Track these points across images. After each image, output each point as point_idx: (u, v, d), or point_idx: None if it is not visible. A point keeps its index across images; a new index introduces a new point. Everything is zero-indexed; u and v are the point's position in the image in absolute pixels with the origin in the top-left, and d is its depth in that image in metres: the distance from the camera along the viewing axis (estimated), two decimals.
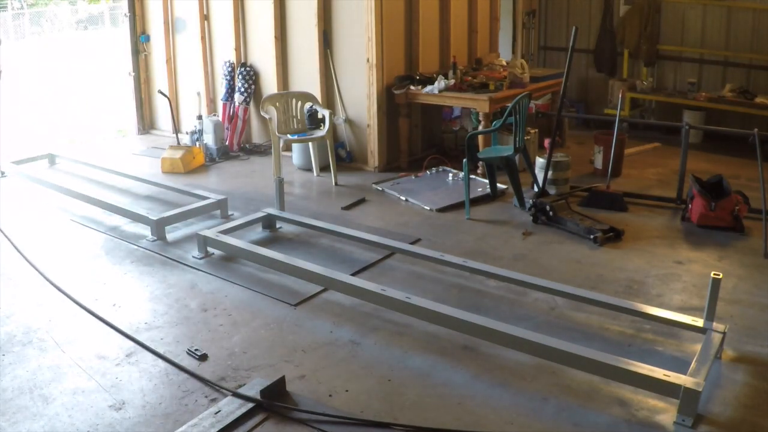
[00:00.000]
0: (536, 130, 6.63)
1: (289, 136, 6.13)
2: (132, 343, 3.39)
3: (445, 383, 3.02)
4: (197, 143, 6.97)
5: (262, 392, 2.84)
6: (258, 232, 4.91)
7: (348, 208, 5.43)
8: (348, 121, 6.60)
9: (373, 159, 6.48)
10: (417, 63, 6.70)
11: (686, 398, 2.70)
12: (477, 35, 7.48)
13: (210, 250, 4.49)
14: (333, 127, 6.28)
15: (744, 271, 4.18)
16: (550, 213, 4.96)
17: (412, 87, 6.34)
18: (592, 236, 4.64)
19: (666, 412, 2.80)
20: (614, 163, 5.77)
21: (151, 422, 2.76)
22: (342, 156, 6.59)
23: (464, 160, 5.20)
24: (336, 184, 6.06)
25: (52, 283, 4.09)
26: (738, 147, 6.58)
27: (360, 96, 6.42)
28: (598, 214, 5.11)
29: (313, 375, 3.09)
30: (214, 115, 7.36)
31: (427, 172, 6.27)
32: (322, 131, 6.21)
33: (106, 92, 9.60)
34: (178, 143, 6.95)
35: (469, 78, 6.53)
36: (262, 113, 6.22)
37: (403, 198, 5.61)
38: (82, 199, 5.48)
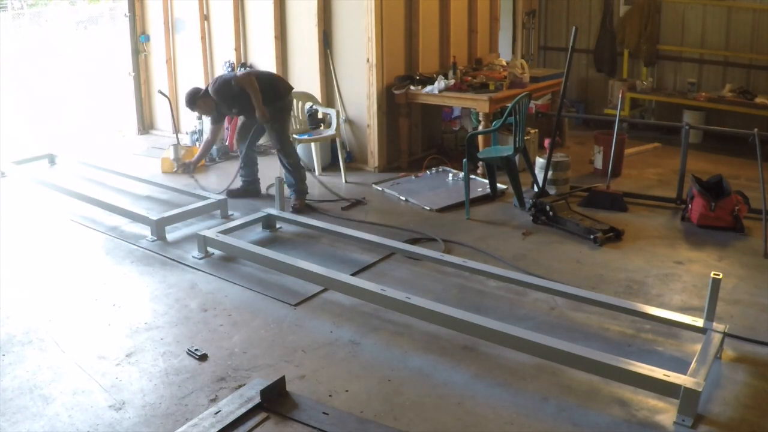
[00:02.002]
0: (536, 130, 6.63)
1: (294, 136, 6.13)
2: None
3: (445, 383, 3.02)
4: (197, 143, 6.97)
5: (262, 392, 2.84)
6: (258, 232, 4.91)
7: (347, 208, 5.43)
8: (348, 121, 6.60)
9: (373, 159, 6.48)
10: (417, 63, 6.70)
11: (686, 398, 2.70)
12: (477, 35, 7.48)
13: (210, 250, 4.49)
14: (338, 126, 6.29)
15: (744, 271, 4.18)
16: (550, 213, 4.96)
17: (412, 87, 6.34)
18: (592, 236, 4.64)
19: (666, 412, 2.80)
20: (614, 163, 5.77)
21: (151, 422, 2.76)
22: (342, 156, 6.60)
23: (464, 160, 5.20)
24: (346, 182, 6.10)
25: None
26: (738, 147, 6.58)
27: (360, 96, 6.42)
28: (598, 214, 5.11)
29: (313, 375, 3.09)
30: None
31: (427, 172, 6.27)
32: (329, 131, 6.23)
33: (106, 92, 9.59)
34: (179, 143, 6.95)
35: (469, 78, 6.53)
36: None
37: (403, 198, 5.61)
38: (82, 199, 5.48)
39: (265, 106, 5.21)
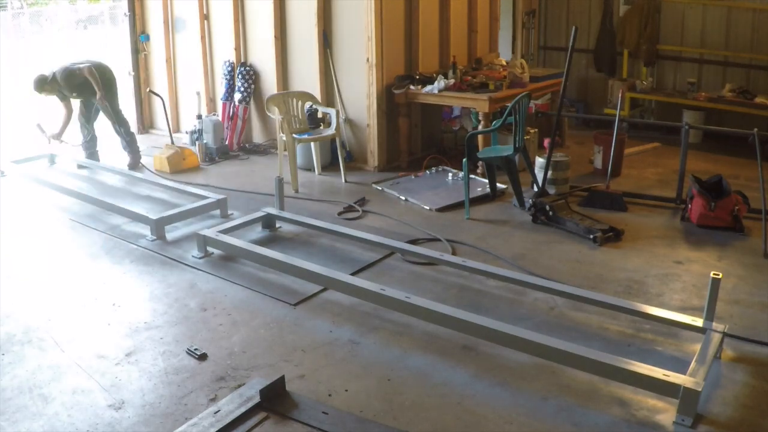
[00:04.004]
0: (536, 129, 6.63)
1: (294, 135, 6.12)
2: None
3: (445, 383, 3.02)
4: (197, 143, 6.97)
5: (262, 392, 2.84)
6: (257, 231, 4.91)
7: (347, 209, 5.42)
8: (348, 120, 6.60)
9: (373, 158, 6.48)
10: (417, 63, 6.69)
11: (686, 398, 2.70)
12: (477, 35, 7.48)
13: (209, 249, 4.49)
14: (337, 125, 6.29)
15: (744, 271, 4.18)
16: (550, 213, 4.96)
17: (411, 87, 6.34)
18: (591, 236, 4.64)
19: (665, 411, 2.80)
20: (614, 163, 5.77)
21: (151, 422, 2.76)
22: (342, 155, 6.60)
23: (464, 159, 5.20)
24: (345, 181, 6.10)
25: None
26: (738, 147, 6.58)
27: (360, 96, 6.42)
28: (597, 214, 5.11)
29: (313, 374, 3.09)
30: (214, 114, 7.35)
31: (427, 171, 6.27)
32: (329, 130, 6.23)
33: None
34: (172, 142, 6.93)
35: (469, 78, 6.53)
36: (269, 114, 6.24)
37: (403, 198, 5.61)
38: (81, 199, 5.48)
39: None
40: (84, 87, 6.45)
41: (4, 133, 7.80)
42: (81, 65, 6.48)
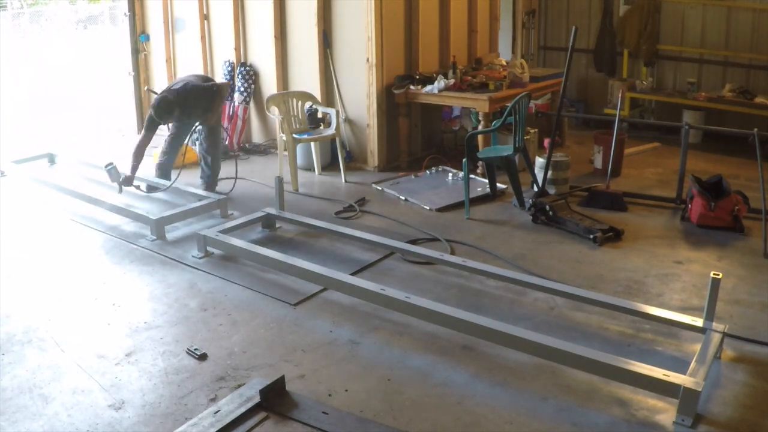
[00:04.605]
0: (536, 129, 6.63)
1: (294, 135, 6.12)
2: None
3: (445, 383, 3.02)
4: (196, 143, 6.96)
5: (262, 392, 2.84)
6: (258, 231, 4.91)
7: (346, 209, 5.43)
8: (348, 120, 6.60)
9: (373, 158, 6.48)
10: (417, 63, 6.70)
11: (686, 398, 2.70)
12: (477, 35, 7.48)
13: (209, 249, 4.49)
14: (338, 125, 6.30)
15: (744, 271, 4.18)
16: (550, 213, 4.96)
17: (411, 87, 6.34)
18: (591, 236, 4.64)
19: (665, 411, 2.80)
20: (614, 163, 5.77)
21: (151, 422, 2.76)
22: (342, 155, 6.60)
23: (464, 159, 5.20)
24: (345, 181, 6.10)
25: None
26: (738, 147, 6.58)
27: (360, 96, 6.42)
28: (597, 214, 5.11)
29: (313, 374, 3.10)
30: None
31: (427, 171, 6.27)
32: (329, 130, 6.23)
33: (106, 92, 9.60)
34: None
35: (469, 78, 6.53)
36: (269, 114, 6.24)
37: (403, 198, 5.61)
38: (82, 199, 5.48)
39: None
40: (205, 108, 5.57)
41: (4, 133, 7.80)
42: (198, 82, 5.62)
